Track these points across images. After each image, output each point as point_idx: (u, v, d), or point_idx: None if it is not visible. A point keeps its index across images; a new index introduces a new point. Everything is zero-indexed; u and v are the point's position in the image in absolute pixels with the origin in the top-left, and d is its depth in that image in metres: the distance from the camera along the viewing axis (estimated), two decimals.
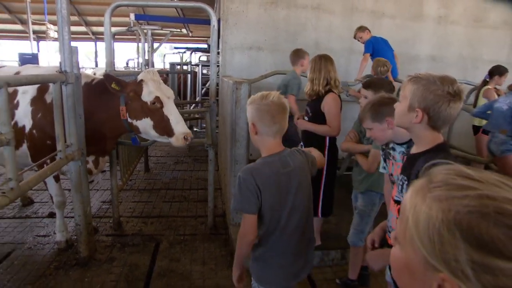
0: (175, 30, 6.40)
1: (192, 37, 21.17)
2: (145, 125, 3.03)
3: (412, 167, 1.44)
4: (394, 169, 1.91)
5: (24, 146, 3.15)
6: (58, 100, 2.58)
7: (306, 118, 3.11)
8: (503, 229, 0.54)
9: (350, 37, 6.00)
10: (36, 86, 3.07)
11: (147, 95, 2.97)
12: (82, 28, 29.27)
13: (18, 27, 28.50)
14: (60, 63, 2.67)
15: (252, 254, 1.83)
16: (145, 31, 5.28)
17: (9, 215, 4.21)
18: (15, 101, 3.11)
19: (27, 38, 21.76)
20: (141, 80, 3.01)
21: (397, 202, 1.63)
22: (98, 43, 32.91)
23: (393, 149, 1.94)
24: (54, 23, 20.73)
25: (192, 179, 5.67)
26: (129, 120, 3.04)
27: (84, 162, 3.04)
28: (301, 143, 3.20)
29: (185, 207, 4.59)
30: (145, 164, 5.98)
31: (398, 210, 1.57)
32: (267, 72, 5.59)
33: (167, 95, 3.04)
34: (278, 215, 1.73)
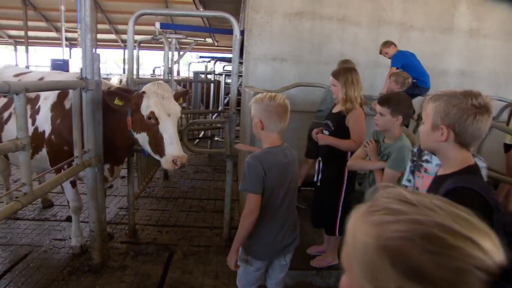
0: (199, 39, 6.44)
1: (218, 46, 21.45)
2: (142, 139, 2.93)
3: (438, 190, 1.33)
4: (423, 182, 1.79)
5: (44, 151, 3.18)
6: (77, 106, 2.58)
7: (326, 132, 3.00)
8: (427, 256, 0.53)
9: (376, 50, 5.86)
10: (57, 92, 3.09)
11: (144, 109, 2.84)
12: (112, 36, 30.18)
13: (53, 34, 29.67)
14: (81, 69, 2.69)
15: (261, 236, 2.08)
16: (169, 39, 5.33)
17: (29, 217, 4.27)
18: (37, 107, 3.15)
19: (60, 45, 22.55)
20: (143, 92, 2.91)
21: None
22: (126, 50, 33.86)
23: (427, 161, 1.82)
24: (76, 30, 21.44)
25: (211, 189, 5.63)
26: (133, 132, 2.97)
27: (101, 169, 3.04)
28: (319, 158, 3.09)
29: (202, 217, 4.54)
30: (164, 171, 5.98)
31: None
32: (289, 84, 5.55)
33: (168, 112, 2.86)
34: (276, 196, 2.03)
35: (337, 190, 2.94)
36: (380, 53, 5.27)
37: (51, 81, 2.17)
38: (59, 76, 3.40)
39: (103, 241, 3.23)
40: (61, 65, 16.27)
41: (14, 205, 1.86)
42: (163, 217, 4.47)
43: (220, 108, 7.83)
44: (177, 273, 3.26)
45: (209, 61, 12.28)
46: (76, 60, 22.42)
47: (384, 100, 2.49)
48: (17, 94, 1.83)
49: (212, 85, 7.81)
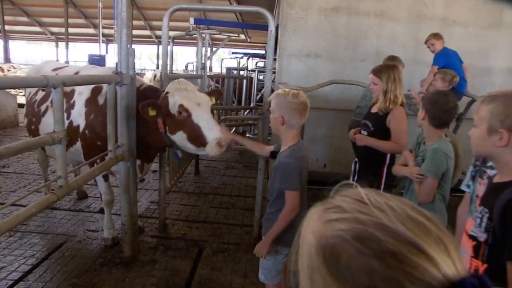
0: (233, 35, 6.42)
1: (250, 43, 21.41)
2: (180, 139, 2.85)
3: (496, 198, 1.21)
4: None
5: (78, 144, 3.24)
6: (112, 100, 2.60)
7: (364, 132, 2.88)
8: (360, 259, 0.48)
9: (414, 46, 5.65)
10: (90, 87, 3.13)
11: (173, 106, 2.78)
12: (147, 32, 30.88)
13: (91, 30, 30.68)
14: (116, 64, 2.71)
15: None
16: (203, 35, 5.32)
17: (65, 207, 4.39)
18: (72, 101, 3.21)
19: (97, 41, 23.29)
20: (166, 93, 2.86)
21: (472, 238, 1.38)
22: (160, 46, 34.58)
23: (492, 167, 1.69)
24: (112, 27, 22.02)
25: (241, 186, 5.60)
26: (168, 134, 2.92)
27: (133, 163, 3.06)
28: (356, 159, 2.98)
29: (232, 214, 4.52)
30: (195, 167, 6.01)
31: (473, 248, 1.35)
32: (324, 81, 5.42)
33: (197, 102, 2.77)
34: (303, 188, 2.17)
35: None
36: (426, 43, 4.99)
37: (86, 75, 2.18)
38: (94, 71, 3.45)
39: (134, 235, 3.25)
40: (97, 60, 16.82)
41: (50, 198, 1.88)
42: (193, 212, 4.48)
43: (252, 105, 7.79)
44: (206, 270, 3.24)
45: (242, 57, 12.28)
46: (112, 55, 23.13)
47: (424, 99, 2.36)
48: (54, 88, 1.84)
49: (244, 81, 7.77)
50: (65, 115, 3.24)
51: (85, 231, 3.82)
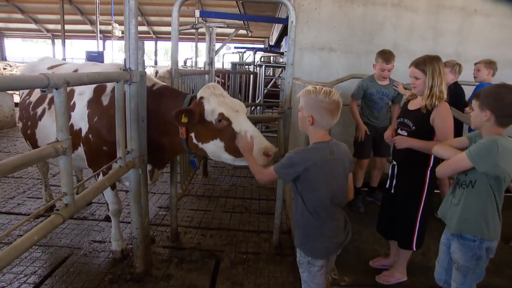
0: (240, 27, 6.08)
1: (251, 37, 21.06)
2: (214, 148, 2.58)
3: None
4: None
5: (80, 150, 2.95)
6: (121, 101, 2.29)
7: (403, 132, 2.58)
8: None
9: (433, 38, 5.35)
10: (93, 87, 2.83)
11: (210, 114, 2.53)
12: (144, 28, 30.44)
13: (87, 27, 30.23)
14: (125, 59, 2.39)
15: (304, 230, 2.08)
16: (210, 28, 5.00)
17: None
18: (72, 102, 2.91)
19: (94, 37, 22.88)
20: (201, 98, 2.59)
21: None
22: (158, 42, 34.24)
23: None
24: (119, 22, 21.59)
25: (253, 188, 5.30)
26: (195, 141, 2.64)
27: (144, 171, 2.76)
28: (394, 162, 2.68)
29: (246, 219, 4.22)
30: (203, 168, 5.71)
31: None
32: (339, 76, 5.11)
33: (235, 109, 2.55)
34: (327, 194, 1.99)
35: (417, 199, 2.52)
36: (475, 65, 4.33)
37: (93, 73, 1.87)
38: (96, 68, 3.15)
39: (146, 248, 2.96)
40: (95, 57, 16.45)
41: (54, 220, 1.58)
42: (205, 218, 4.19)
43: (258, 101, 7.47)
44: (226, 284, 2.96)
45: (244, 52, 11.96)
46: (109, 52, 22.73)
47: (483, 96, 2.02)
48: (57, 89, 1.53)
49: (251, 76, 7.45)
50: None
51: (90, 242, 3.53)
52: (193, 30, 5.53)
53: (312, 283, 2.13)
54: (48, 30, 33.90)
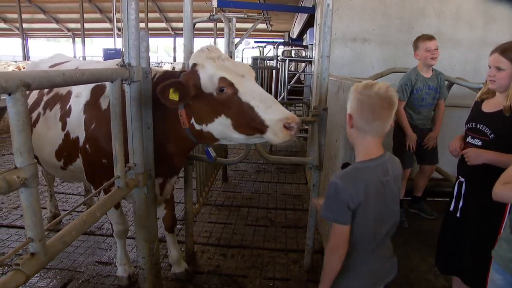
0: (261, 18, 5.54)
1: (271, 31, 20.46)
2: (220, 127, 2.02)
3: None
4: None
5: (79, 161, 2.50)
6: (118, 105, 1.80)
7: (477, 141, 2.00)
8: None
9: (483, 25, 4.68)
10: (90, 87, 2.38)
11: (209, 82, 1.96)
12: (163, 24, 30.23)
13: (107, 25, 30.26)
14: (122, 52, 1.90)
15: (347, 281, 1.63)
16: (229, 18, 4.49)
17: None
18: (67, 106, 2.47)
19: (112, 35, 22.75)
20: (194, 65, 2.04)
21: None
22: (177, 38, 33.98)
23: None
24: None
25: (278, 195, 4.78)
26: (197, 127, 2.09)
27: (152, 188, 2.27)
28: (461, 179, 2.10)
29: (272, 234, 3.71)
30: (223, 172, 5.23)
31: None
32: (374, 70, 4.54)
33: (240, 73, 1.98)
34: (374, 226, 1.57)
35: (493, 227, 1.94)
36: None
37: (73, 71, 1.38)
38: (96, 65, 2.69)
39: (157, 278, 2.49)
40: (113, 54, 16.19)
41: (12, 279, 1.11)
42: (225, 233, 3.70)
43: (281, 97, 6.93)
44: None
45: (265, 46, 11.40)
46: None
47: None
48: (10, 94, 1.05)
49: (274, 72, 6.90)
50: (60, 124, 2.52)
51: (95, 264, 3.10)
52: (211, 25, 5.03)
53: None
54: (68, 29, 34.18)
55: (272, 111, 1.88)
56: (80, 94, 2.48)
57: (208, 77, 1.96)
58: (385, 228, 1.61)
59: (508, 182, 1.52)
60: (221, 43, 5.17)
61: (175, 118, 2.13)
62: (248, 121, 1.92)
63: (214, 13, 4.80)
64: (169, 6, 28.17)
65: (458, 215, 2.12)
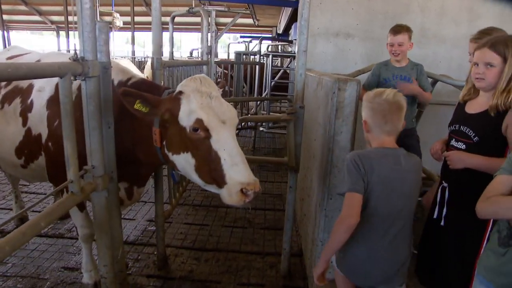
0: (243, 11, 5.38)
1: (258, 26, 20.24)
2: (183, 163, 1.94)
3: None
4: None
5: (41, 159, 2.35)
6: (68, 103, 1.64)
7: (461, 144, 1.89)
8: None
9: (468, 21, 4.60)
10: (55, 81, 2.22)
11: (186, 117, 1.87)
12: (149, 19, 29.73)
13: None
14: (74, 45, 1.73)
15: (351, 250, 1.77)
16: (208, 12, 4.33)
17: (42, 232, 3.48)
18: (29, 101, 2.32)
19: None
20: (180, 93, 1.93)
21: None
22: (164, 32, 33.51)
23: None
24: (121, 13, 20.94)
25: (258, 195, 4.64)
26: (165, 151, 2.00)
27: (114, 191, 2.12)
28: (445, 184, 1.99)
29: (249, 236, 3.58)
30: None
31: None
32: (357, 66, 4.42)
33: (221, 118, 1.88)
34: (382, 210, 1.69)
35: (476, 237, 1.82)
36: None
37: (4, 64, 1.21)
38: (59, 58, 2.52)
39: (122, 285, 2.34)
40: None
41: None
42: (201, 235, 3.56)
43: (265, 94, 6.79)
44: None
45: (250, 41, 11.23)
46: (113, 43, 22.08)
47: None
48: None
49: (257, 67, 6.75)
50: (20, 120, 2.37)
51: (61, 270, 2.93)
52: (199, 19, 4.87)
53: None
54: (52, 22, 33.35)
55: (236, 170, 1.80)
56: (43, 89, 2.32)
57: (187, 112, 1.88)
58: (393, 212, 1.70)
59: (489, 196, 1.42)
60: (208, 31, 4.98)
61: (148, 132, 2.03)
62: (210, 170, 1.85)
63: (193, 6, 4.63)
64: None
65: (442, 223, 2.00)
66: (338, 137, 2.18)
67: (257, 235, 3.61)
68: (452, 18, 4.57)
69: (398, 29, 3.17)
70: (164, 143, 2.00)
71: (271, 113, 6.65)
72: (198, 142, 1.85)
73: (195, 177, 1.93)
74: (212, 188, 1.93)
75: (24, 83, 2.37)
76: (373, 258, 1.74)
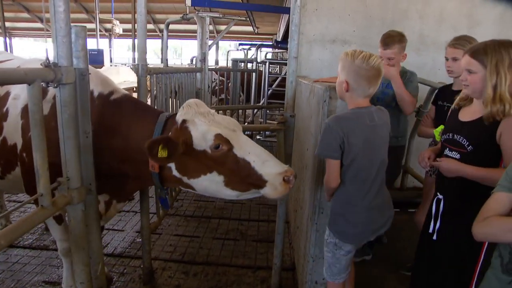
0: (239, 18, 5.31)
1: (258, 34, 20.24)
2: (208, 184, 1.91)
3: None
4: None
5: (18, 170, 2.24)
6: (37, 112, 1.54)
7: (454, 154, 1.79)
8: None
9: (468, 27, 4.50)
10: None
11: (201, 140, 1.86)
12: (150, 26, 29.78)
13: (93, 25, 29.82)
14: (46, 50, 1.64)
15: (335, 206, 1.97)
16: (202, 18, 4.25)
17: (26, 243, 3.38)
18: (5, 109, 2.23)
19: (102, 36, 22.33)
20: (184, 122, 1.90)
21: None
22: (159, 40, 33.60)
23: None
24: (121, 20, 20.99)
25: (252, 204, 4.53)
26: (176, 174, 1.96)
27: (93, 204, 2.01)
28: (439, 196, 1.88)
29: (241, 249, 3.46)
30: None
31: None
32: None
33: (232, 128, 1.93)
34: (363, 166, 1.84)
35: (473, 253, 1.71)
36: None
37: None
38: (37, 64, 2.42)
39: None
40: (95, 56, 15.81)
41: None
42: (191, 248, 3.44)
43: (262, 102, 6.70)
44: None
45: (249, 49, 11.18)
46: (114, 50, 22.16)
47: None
48: None
49: (253, 74, 6.66)
50: None
51: (41, 285, 2.81)
52: (194, 27, 4.80)
53: (335, 266, 2.01)
54: None
55: (269, 165, 1.87)
56: (18, 96, 2.23)
57: (201, 134, 1.86)
58: (375, 165, 1.87)
59: (486, 217, 1.32)
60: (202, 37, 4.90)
61: (140, 155, 1.95)
62: (244, 177, 1.87)
63: (187, 12, 4.56)
64: (157, 8, 27.77)
65: (434, 237, 1.89)
66: None
67: (249, 248, 3.48)
68: (451, 24, 4.49)
69: (388, 41, 2.90)
70: (171, 165, 1.95)
71: (268, 121, 6.55)
72: (223, 157, 1.85)
73: (227, 192, 1.92)
74: (250, 194, 1.95)
75: (1, 91, 2.28)
76: (370, 213, 1.90)
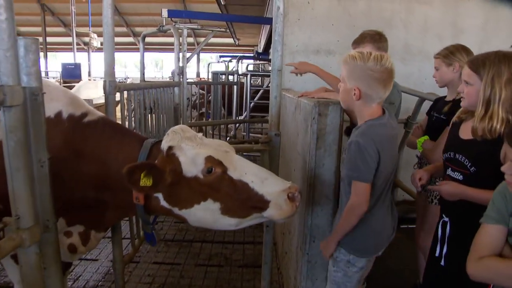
0: (218, 29, 5.10)
1: (239, 46, 20.19)
2: (201, 213, 1.69)
3: None
4: None
5: None
6: None
7: (459, 176, 1.60)
8: None
9: (452, 37, 4.42)
10: None
11: (191, 165, 1.66)
12: (130, 39, 29.45)
13: (70, 39, 29.32)
14: None
15: (363, 226, 1.75)
16: (180, 30, 4.04)
17: None
18: None
19: (80, 50, 21.90)
20: (170, 148, 1.69)
21: None
22: (146, 53, 33.36)
23: None
24: (98, 33, 20.62)
25: None
26: (164, 205, 1.71)
27: (52, 243, 1.73)
28: (445, 218, 1.69)
29: (226, 276, 3.20)
30: None
31: None
32: None
33: (223, 149, 1.72)
34: (385, 178, 1.70)
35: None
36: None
37: None
38: None
39: None
40: (72, 70, 15.42)
41: None
42: (171, 277, 3.15)
43: (244, 115, 6.49)
44: None
45: (230, 61, 11.01)
46: (91, 64, 21.72)
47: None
48: None
49: (235, 87, 6.46)
50: None
51: None
52: (171, 39, 4.58)
53: (345, 286, 1.84)
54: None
55: (270, 183, 1.66)
56: None
57: (190, 159, 1.66)
58: (388, 176, 1.73)
59: (481, 256, 1.22)
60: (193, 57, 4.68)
61: (121, 183, 1.66)
62: (243, 201, 1.66)
63: (164, 24, 4.34)
64: (136, 21, 27.51)
65: (442, 263, 1.70)
66: (319, 170, 1.86)
67: (234, 275, 3.22)
68: (435, 33, 4.41)
69: (358, 40, 2.69)
70: (159, 195, 1.71)
71: (251, 135, 6.33)
72: (217, 181, 1.64)
73: (225, 221, 1.69)
74: (252, 220, 1.71)
75: None
76: (382, 226, 1.78)
